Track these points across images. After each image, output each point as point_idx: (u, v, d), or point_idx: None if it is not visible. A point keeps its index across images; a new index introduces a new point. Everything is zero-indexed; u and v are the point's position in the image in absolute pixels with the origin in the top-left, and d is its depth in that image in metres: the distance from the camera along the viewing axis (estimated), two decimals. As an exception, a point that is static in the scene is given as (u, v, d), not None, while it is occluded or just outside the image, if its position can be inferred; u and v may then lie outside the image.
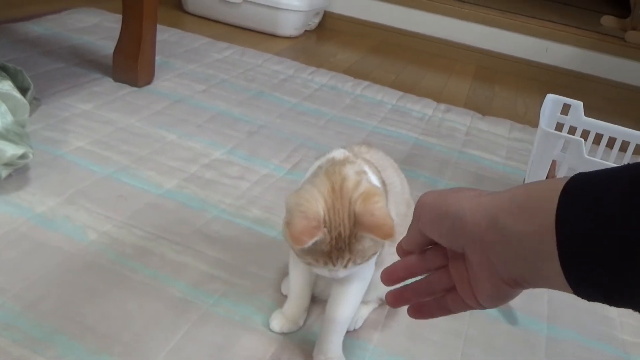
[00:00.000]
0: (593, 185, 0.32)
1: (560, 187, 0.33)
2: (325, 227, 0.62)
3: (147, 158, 1.20)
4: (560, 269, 0.31)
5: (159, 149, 1.25)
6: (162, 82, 1.59)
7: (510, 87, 2.28)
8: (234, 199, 1.12)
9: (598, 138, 1.38)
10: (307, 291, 0.82)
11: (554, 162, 1.19)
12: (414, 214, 0.46)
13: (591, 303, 0.38)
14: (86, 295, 0.82)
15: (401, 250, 0.50)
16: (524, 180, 1.35)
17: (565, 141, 1.16)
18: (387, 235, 0.60)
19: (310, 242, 0.60)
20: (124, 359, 0.74)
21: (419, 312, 0.48)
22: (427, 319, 0.48)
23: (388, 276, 0.50)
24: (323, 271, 0.66)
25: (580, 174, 0.34)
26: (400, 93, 1.88)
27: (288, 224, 0.62)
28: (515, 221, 0.35)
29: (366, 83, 1.92)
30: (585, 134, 1.38)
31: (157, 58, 1.59)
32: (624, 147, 1.36)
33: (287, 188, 1.20)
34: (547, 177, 1.17)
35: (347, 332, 0.79)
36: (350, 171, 0.66)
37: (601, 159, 1.35)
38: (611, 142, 1.37)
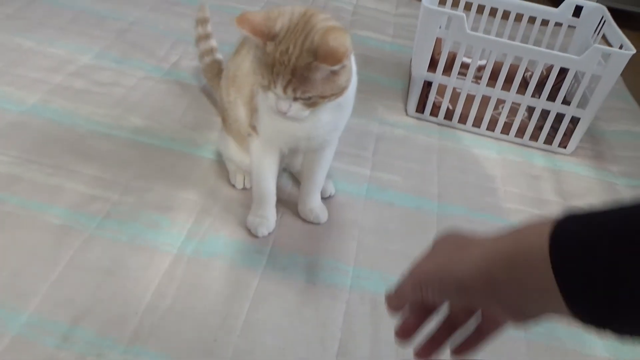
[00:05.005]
0: (583, 231, 0.32)
1: (546, 234, 0.33)
2: (274, 39, 0.64)
3: (2, 71, 1.07)
4: (568, 310, 0.32)
5: (15, 59, 1.11)
6: (10, -21, 1.39)
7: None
8: (109, 109, 1.04)
9: (481, 9, 1.38)
10: (274, 186, 0.84)
11: (439, 40, 1.17)
12: (409, 283, 0.42)
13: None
14: (-52, 237, 0.75)
15: (393, 302, 0.44)
16: (411, 60, 1.33)
17: (449, 17, 1.14)
18: (337, 61, 0.63)
19: (246, 33, 0.63)
20: (3, 298, 0.69)
21: (459, 351, 0.44)
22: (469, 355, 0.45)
23: (403, 333, 0.44)
24: (271, 101, 0.68)
25: (567, 217, 0.34)
26: (283, -28, 1.77)
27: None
28: (510, 277, 0.35)
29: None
30: (468, 6, 1.37)
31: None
32: (505, 15, 1.37)
33: (169, 91, 1.12)
34: (432, 55, 1.16)
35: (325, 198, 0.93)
36: (326, 16, 0.68)
37: (484, 29, 1.36)
38: (493, 12, 1.37)
